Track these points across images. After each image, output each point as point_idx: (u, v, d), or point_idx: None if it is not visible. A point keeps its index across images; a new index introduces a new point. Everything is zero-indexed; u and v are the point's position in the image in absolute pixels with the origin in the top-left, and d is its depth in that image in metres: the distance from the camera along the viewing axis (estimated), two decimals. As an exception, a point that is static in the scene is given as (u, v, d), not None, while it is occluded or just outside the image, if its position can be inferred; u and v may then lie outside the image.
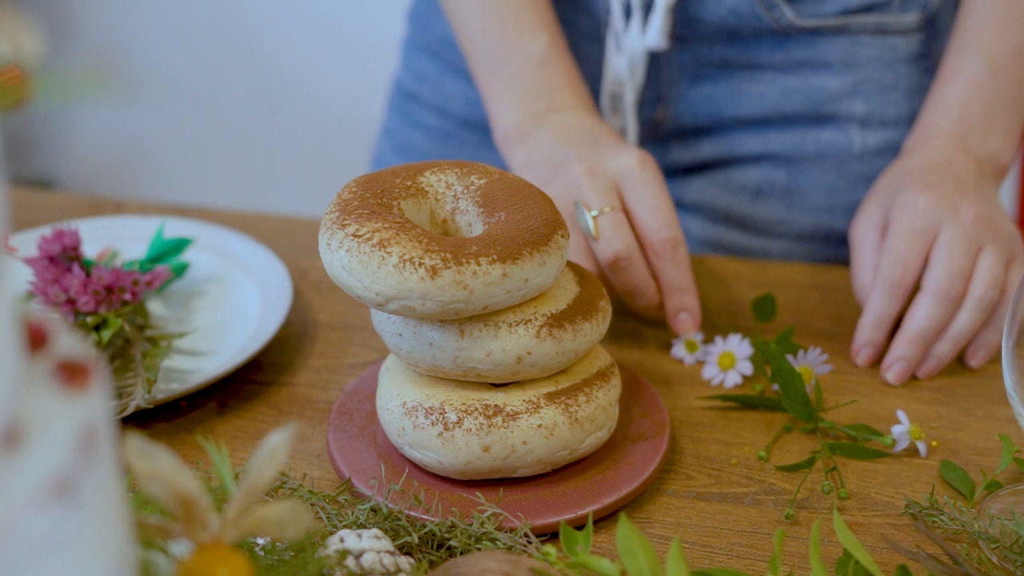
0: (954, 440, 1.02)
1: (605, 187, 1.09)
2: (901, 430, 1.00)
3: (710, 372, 1.09)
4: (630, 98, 1.26)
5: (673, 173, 1.34)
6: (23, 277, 1.10)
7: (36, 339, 0.57)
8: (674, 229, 1.08)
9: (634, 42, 1.24)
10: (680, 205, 1.35)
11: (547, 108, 1.17)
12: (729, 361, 1.08)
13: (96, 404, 0.56)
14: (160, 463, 0.67)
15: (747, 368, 1.08)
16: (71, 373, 0.56)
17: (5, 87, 0.54)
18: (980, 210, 1.10)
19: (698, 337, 1.11)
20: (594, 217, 1.07)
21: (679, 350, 1.12)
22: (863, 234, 1.14)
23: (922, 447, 1.00)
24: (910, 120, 1.28)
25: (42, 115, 2.92)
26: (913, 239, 1.09)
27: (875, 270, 1.11)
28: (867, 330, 1.11)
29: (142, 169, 2.98)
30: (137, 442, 0.66)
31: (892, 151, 1.28)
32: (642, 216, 1.08)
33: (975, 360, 1.10)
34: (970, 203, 1.10)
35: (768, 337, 1.13)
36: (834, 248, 1.29)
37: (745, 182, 1.31)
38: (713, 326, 1.15)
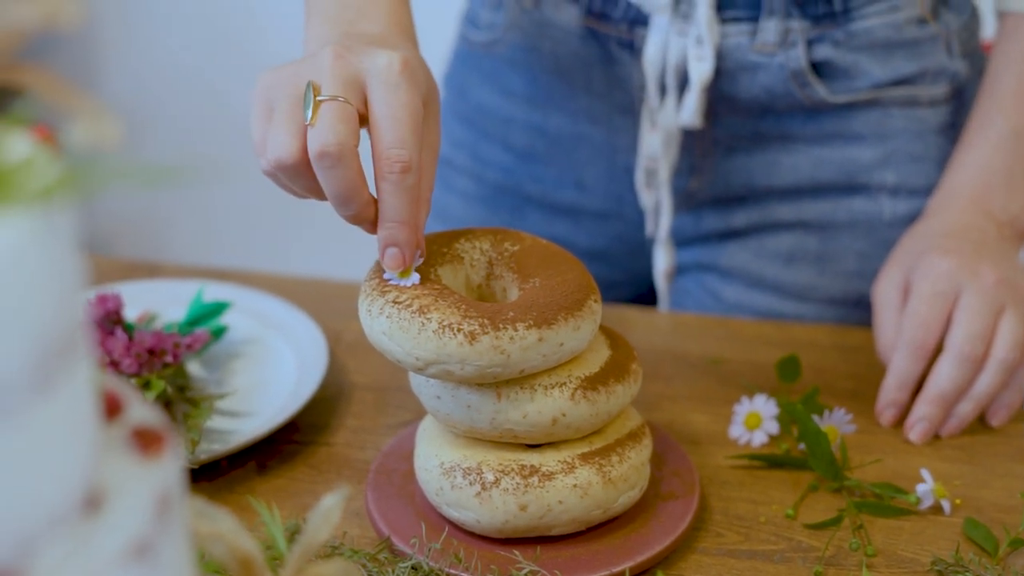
0: (977, 498, 1.05)
1: (348, 78, 0.93)
2: (926, 489, 1.03)
3: (737, 432, 1.11)
4: (664, 174, 1.29)
5: (707, 239, 1.37)
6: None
7: (112, 407, 0.60)
8: (408, 150, 0.91)
9: (669, 119, 1.27)
10: (713, 270, 1.37)
11: (352, 21, 1.02)
12: (755, 421, 1.10)
13: (170, 469, 0.58)
14: (220, 524, 0.70)
15: (773, 427, 1.10)
16: (146, 440, 0.59)
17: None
18: (1000, 274, 1.13)
19: (414, 279, 0.96)
20: (319, 102, 0.92)
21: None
22: (886, 296, 1.17)
23: (946, 505, 1.03)
24: None
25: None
26: (934, 302, 1.12)
27: (898, 332, 1.14)
28: (891, 391, 1.14)
29: (172, 231, 3.01)
30: (198, 504, 0.69)
31: None
32: (377, 125, 0.93)
33: (996, 420, 1.13)
34: (990, 267, 1.13)
35: (793, 397, 1.16)
36: (865, 312, 1.32)
37: (778, 248, 1.34)
38: (738, 386, 1.18)
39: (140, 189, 0.52)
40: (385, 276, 0.96)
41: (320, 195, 0.95)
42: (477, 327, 0.92)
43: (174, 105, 2.87)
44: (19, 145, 0.54)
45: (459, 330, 0.91)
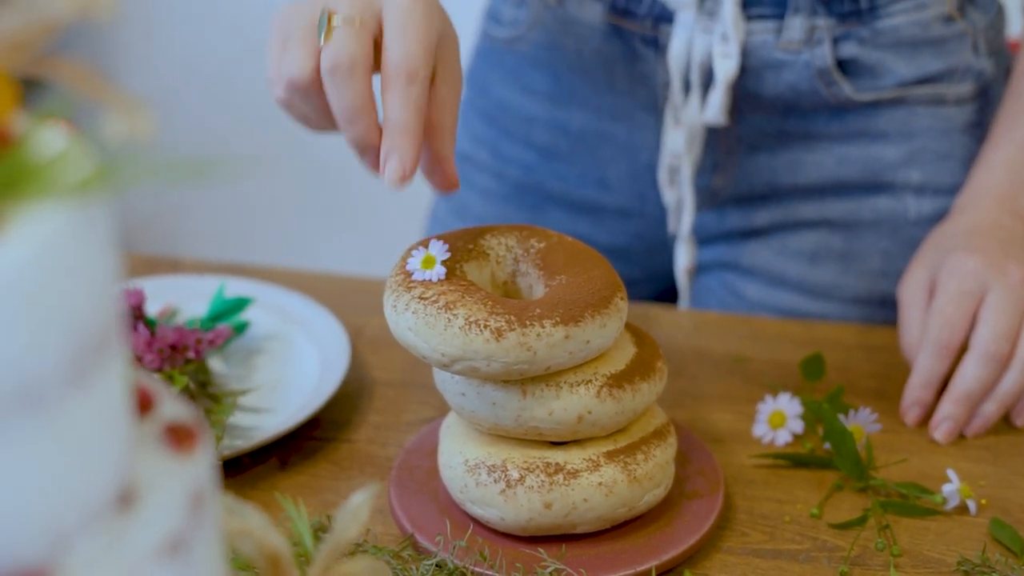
0: (1003, 498, 1.04)
1: (364, 4, 0.95)
2: (951, 489, 1.02)
3: (760, 430, 1.11)
4: (687, 171, 1.29)
5: (729, 237, 1.36)
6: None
7: (144, 403, 0.60)
8: (414, 61, 0.93)
9: (693, 117, 1.26)
10: (735, 268, 1.37)
11: None
12: (780, 420, 1.10)
13: (202, 465, 0.58)
14: (249, 520, 0.69)
15: (798, 426, 1.10)
16: (179, 436, 0.58)
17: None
18: None
19: (439, 274, 0.95)
20: (333, 25, 0.94)
21: (415, 264, 0.96)
22: (911, 294, 1.16)
23: (972, 505, 1.02)
24: None
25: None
26: (960, 301, 1.12)
27: (923, 331, 1.14)
28: (916, 390, 1.13)
29: (193, 226, 3.01)
30: (227, 500, 0.69)
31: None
32: (386, 39, 0.94)
33: (1020, 419, 1.12)
34: (1017, 265, 1.12)
35: (817, 396, 1.15)
36: (889, 312, 1.31)
37: (801, 247, 1.33)
38: (762, 385, 1.18)
39: (173, 183, 0.52)
40: (408, 268, 0.96)
41: (331, 122, 0.98)
42: (504, 324, 0.91)
43: (194, 102, 2.87)
44: (53, 139, 0.54)
45: (485, 326, 0.91)
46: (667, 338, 1.25)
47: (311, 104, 0.97)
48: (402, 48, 0.93)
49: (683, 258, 1.35)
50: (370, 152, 0.97)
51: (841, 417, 1.07)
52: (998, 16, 1.31)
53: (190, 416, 0.60)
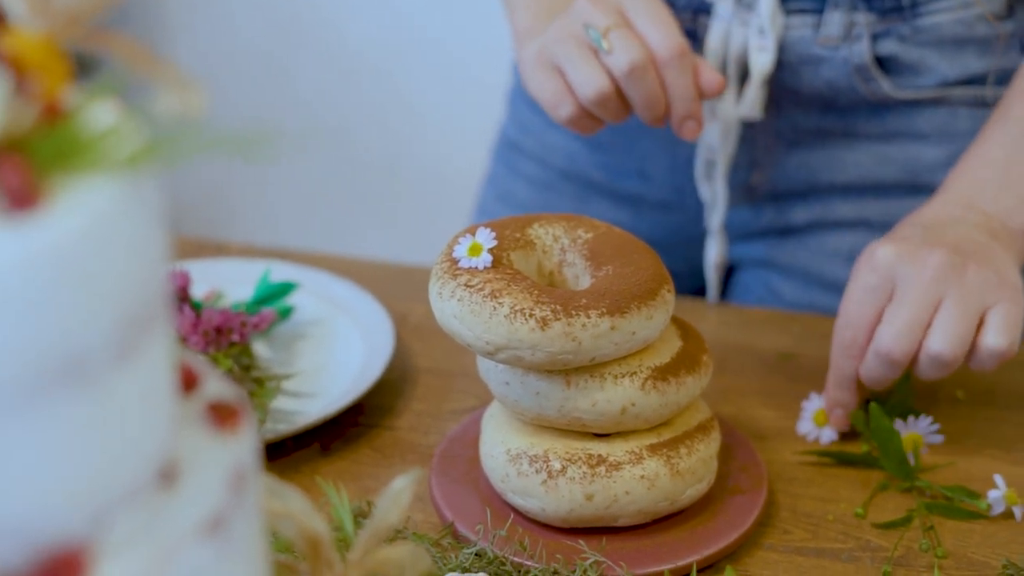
0: (1050, 503, 1.03)
1: (608, 9, 1.11)
2: (997, 495, 1.01)
3: (805, 428, 1.10)
4: (721, 166, 1.28)
5: (766, 235, 1.35)
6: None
7: (189, 381, 0.60)
8: (678, 38, 1.10)
9: (728, 111, 1.25)
10: (772, 267, 1.36)
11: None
12: (824, 418, 1.09)
13: (245, 445, 0.58)
14: (291, 503, 0.69)
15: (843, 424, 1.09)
16: (222, 415, 0.58)
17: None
18: (947, 258, 1.03)
19: (485, 261, 0.95)
20: (606, 33, 1.09)
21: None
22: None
23: (1018, 512, 1.01)
24: None
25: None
26: (863, 299, 1.05)
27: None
28: (831, 390, 1.09)
29: (240, 210, 3.02)
30: (269, 482, 0.69)
31: None
32: (647, 30, 1.10)
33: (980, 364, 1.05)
34: (939, 251, 1.04)
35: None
36: None
37: (839, 247, 1.32)
38: (807, 382, 1.16)
39: (222, 158, 0.51)
40: (454, 255, 0.96)
41: (621, 116, 1.12)
42: (549, 313, 0.91)
43: (241, 83, 2.88)
44: (105, 113, 0.54)
45: (531, 315, 0.91)
46: (712, 333, 1.24)
47: (609, 109, 1.11)
48: (661, 31, 1.09)
49: (713, 252, 1.34)
50: (659, 123, 1.13)
51: (900, 423, 1.05)
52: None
53: (234, 395, 0.60)
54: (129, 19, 2.86)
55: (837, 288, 1.31)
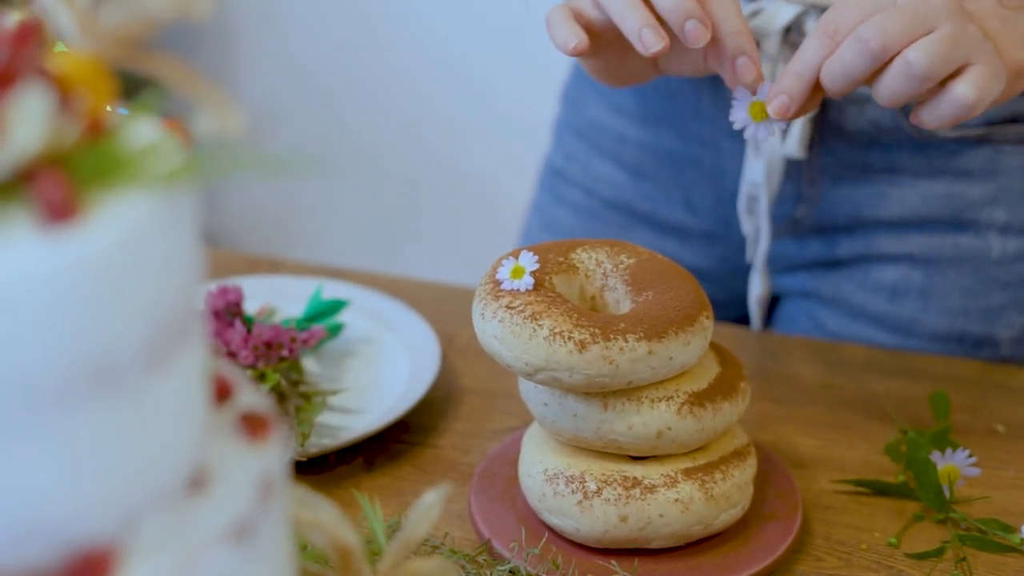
0: (1085, 539, 1.04)
1: None
2: (1032, 529, 1.02)
3: (738, 116, 1.04)
4: (765, 202, 1.28)
5: (810, 268, 1.36)
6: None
7: (222, 392, 0.62)
8: None
9: (773, 148, 1.26)
10: (816, 298, 1.36)
11: None
12: (761, 112, 1.02)
13: (274, 454, 0.60)
14: (322, 514, 0.71)
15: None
16: (253, 425, 0.60)
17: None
18: (956, 2, 0.99)
19: (527, 284, 0.97)
20: None
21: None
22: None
23: (1052, 545, 1.02)
24: None
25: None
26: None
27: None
28: (787, 77, 1.02)
29: (295, 229, 3.06)
30: (301, 492, 0.71)
31: None
32: None
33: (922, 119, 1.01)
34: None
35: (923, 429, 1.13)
36: (969, 349, 1.30)
37: (882, 280, 1.33)
38: (848, 411, 1.17)
39: (259, 178, 0.53)
40: (498, 277, 0.97)
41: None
42: (588, 336, 0.92)
43: (305, 104, 2.92)
44: (146, 131, 0.56)
45: (569, 338, 0.92)
46: (754, 361, 1.25)
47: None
48: None
49: (756, 287, 1.35)
50: (692, 20, 0.99)
51: (937, 455, 1.06)
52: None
53: (266, 406, 0.62)
54: (198, 46, 2.92)
55: (880, 321, 1.33)
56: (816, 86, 1.01)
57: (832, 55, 0.99)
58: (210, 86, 0.59)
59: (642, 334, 0.93)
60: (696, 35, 0.99)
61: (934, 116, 1.00)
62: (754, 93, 1.02)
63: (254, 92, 2.94)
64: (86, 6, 0.59)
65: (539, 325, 0.93)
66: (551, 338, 0.92)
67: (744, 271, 1.38)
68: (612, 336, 0.92)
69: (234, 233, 3.06)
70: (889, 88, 0.98)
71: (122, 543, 0.54)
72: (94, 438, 0.52)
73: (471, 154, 2.81)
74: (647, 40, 0.99)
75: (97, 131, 0.55)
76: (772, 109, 1.02)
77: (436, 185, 2.90)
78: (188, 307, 0.55)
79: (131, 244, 0.51)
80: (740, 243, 1.36)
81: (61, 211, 0.50)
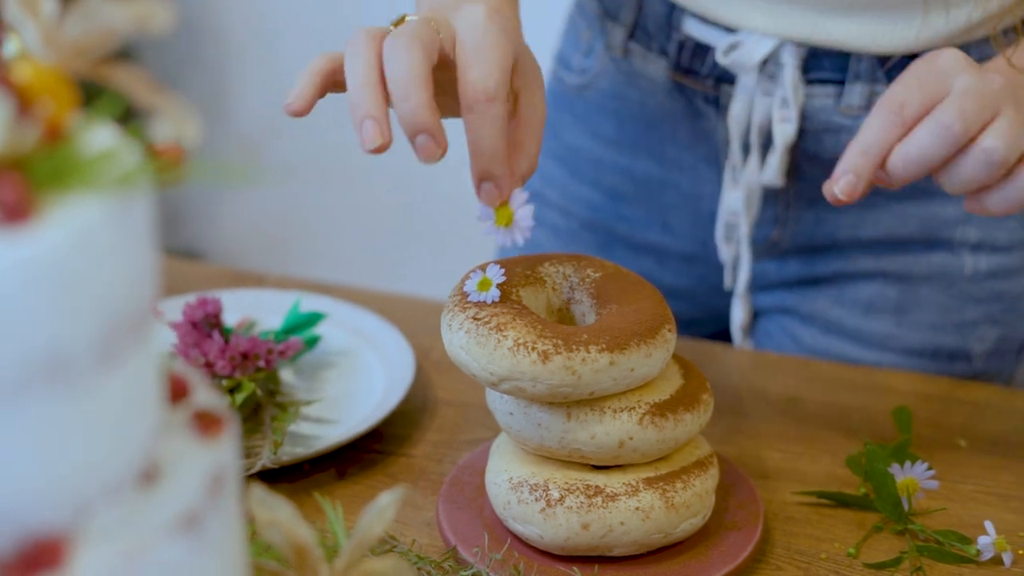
0: (1041, 550, 1.06)
1: (438, 18, 0.96)
2: (987, 541, 1.03)
3: (482, 214, 1.00)
4: (744, 230, 1.30)
5: (789, 286, 1.38)
6: (167, 340, 1.18)
7: (177, 391, 0.64)
8: (496, 83, 0.93)
9: (752, 178, 1.28)
10: (794, 314, 1.39)
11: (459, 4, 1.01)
12: (507, 219, 0.99)
13: (225, 451, 0.62)
14: (279, 513, 0.73)
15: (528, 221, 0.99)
16: (206, 423, 0.63)
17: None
18: (1007, 83, 0.99)
19: (494, 296, 0.98)
20: (404, 18, 0.96)
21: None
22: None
23: (1007, 558, 1.03)
24: (1023, 245, 1.30)
25: (194, 190, 3.07)
26: (927, 74, 0.99)
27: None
28: (853, 156, 0.99)
29: (287, 244, 3.10)
30: (259, 493, 0.73)
31: (1004, 274, 1.31)
32: (464, 58, 0.94)
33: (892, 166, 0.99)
34: (999, 75, 1.00)
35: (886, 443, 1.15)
36: (943, 363, 1.32)
37: (857, 297, 1.35)
38: (815, 425, 1.19)
39: (214, 185, 0.56)
40: (465, 289, 1.00)
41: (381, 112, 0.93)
42: (551, 347, 0.94)
43: (298, 122, 2.96)
44: (103, 137, 0.58)
45: (533, 349, 0.94)
46: (725, 376, 1.27)
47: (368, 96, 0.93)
48: (479, 68, 0.93)
49: (739, 315, 1.37)
50: (423, 135, 0.92)
51: (896, 468, 1.08)
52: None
53: (220, 405, 0.65)
54: (194, 67, 2.96)
55: (855, 337, 1.35)
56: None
57: (908, 139, 0.97)
58: (167, 96, 0.61)
59: (604, 345, 0.95)
60: (426, 152, 0.93)
61: (1003, 201, 0.99)
62: (487, 203, 0.98)
63: (248, 109, 2.98)
64: (50, 18, 0.62)
65: (504, 336, 0.95)
66: (515, 349, 0.95)
67: (722, 290, 1.40)
68: (575, 347, 0.95)
69: (227, 251, 3.09)
70: (966, 176, 0.98)
71: (74, 531, 0.56)
72: (47, 430, 0.54)
73: (456, 173, 2.85)
74: (365, 135, 0.92)
75: (56, 137, 0.57)
76: (839, 189, 0.99)
77: (423, 203, 2.93)
78: (141, 307, 0.58)
79: (83, 244, 0.53)
80: (717, 264, 1.39)
81: (16, 212, 0.52)
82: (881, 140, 0.98)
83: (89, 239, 0.54)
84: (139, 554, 0.56)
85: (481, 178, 0.96)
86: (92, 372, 0.55)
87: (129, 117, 0.62)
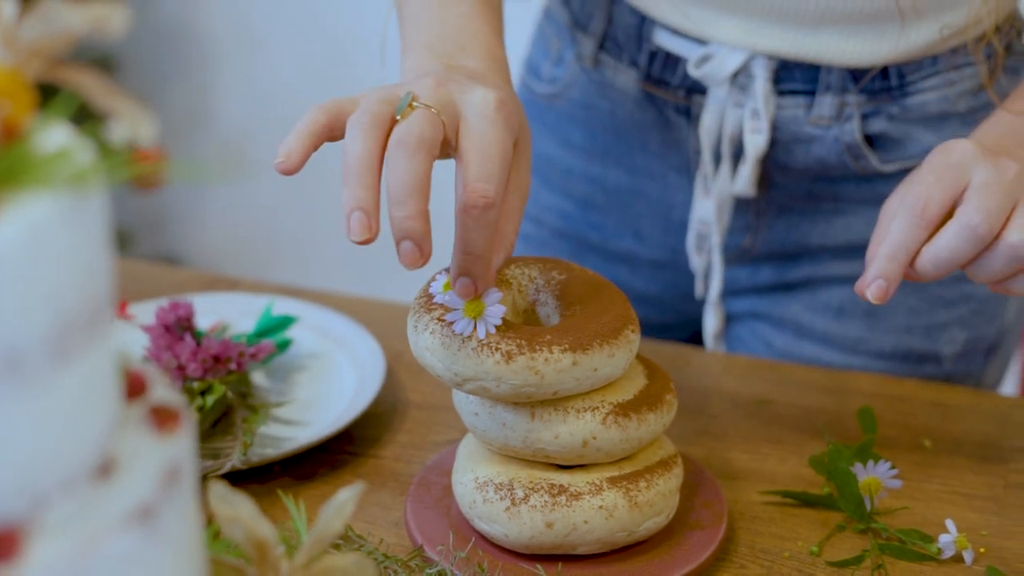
0: (1003, 548, 1.07)
1: (446, 103, 0.94)
2: (948, 539, 1.05)
3: (435, 289, 1.00)
4: (716, 239, 1.32)
5: (761, 291, 1.39)
6: (140, 343, 1.19)
7: (135, 387, 0.65)
8: (493, 186, 0.91)
9: (723, 188, 1.29)
10: (766, 318, 1.40)
11: (452, 54, 1.04)
12: (477, 309, 0.98)
13: (181, 446, 0.63)
14: (240, 509, 0.74)
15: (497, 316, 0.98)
16: (162, 417, 0.64)
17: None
18: (1021, 158, 1.03)
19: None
20: (413, 106, 0.93)
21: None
22: (889, 205, 1.07)
23: (968, 556, 1.04)
24: None
25: (175, 196, 3.09)
26: (945, 172, 1.02)
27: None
28: (881, 261, 1.03)
29: (267, 249, 3.11)
30: (220, 489, 0.74)
31: None
32: (466, 156, 0.93)
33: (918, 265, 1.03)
34: (1013, 161, 1.03)
35: (850, 443, 1.17)
36: (913, 366, 1.33)
37: (828, 301, 1.36)
38: (782, 427, 1.21)
39: (193, 186, 0.57)
40: (430, 291, 1.01)
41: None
42: (514, 347, 0.96)
43: (280, 125, 2.98)
44: (58, 137, 0.59)
45: (496, 349, 0.95)
46: (695, 379, 1.28)
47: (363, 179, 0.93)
48: (482, 168, 0.92)
49: (711, 323, 1.38)
50: (409, 242, 0.91)
51: (859, 467, 1.09)
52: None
53: (177, 401, 0.66)
54: (177, 70, 2.97)
55: (826, 340, 1.36)
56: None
57: (936, 241, 1.01)
58: (123, 97, 0.62)
59: (567, 346, 0.96)
60: (409, 259, 0.91)
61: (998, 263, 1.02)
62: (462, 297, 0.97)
63: (230, 114, 2.99)
64: (8, 20, 0.63)
65: (468, 336, 0.96)
66: (479, 349, 0.96)
67: (692, 295, 1.41)
68: (538, 347, 0.96)
69: (206, 256, 3.10)
70: (993, 269, 1.01)
71: (30, 524, 0.57)
72: (2, 426, 0.55)
73: (434, 181, 2.86)
74: (353, 226, 0.91)
75: (12, 137, 0.58)
76: (872, 295, 1.03)
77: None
78: (95, 304, 0.59)
79: (35, 242, 0.54)
80: (688, 271, 1.40)
81: (-31, 209, 0.53)
82: (908, 244, 1.02)
83: (41, 237, 0.55)
84: (93, 546, 0.57)
85: (461, 274, 0.95)
86: (46, 369, 0.56)
87: (86, 118, 0.63)
